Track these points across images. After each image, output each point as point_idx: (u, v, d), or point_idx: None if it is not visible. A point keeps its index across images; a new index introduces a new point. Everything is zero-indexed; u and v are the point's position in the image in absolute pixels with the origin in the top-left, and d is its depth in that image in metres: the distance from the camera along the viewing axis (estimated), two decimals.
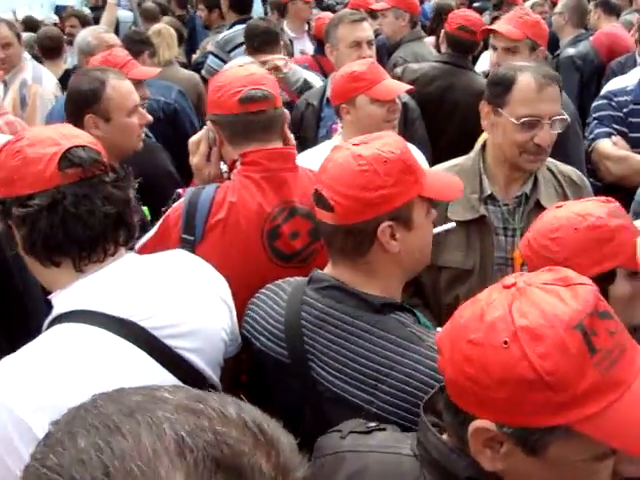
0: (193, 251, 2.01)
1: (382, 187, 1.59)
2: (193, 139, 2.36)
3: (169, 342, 1.54)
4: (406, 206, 1.62)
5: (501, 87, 2.34)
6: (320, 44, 5.22)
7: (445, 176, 1.97)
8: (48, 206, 1.50)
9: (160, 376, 1.51)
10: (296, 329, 1.67)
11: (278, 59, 4.10)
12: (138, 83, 3.29)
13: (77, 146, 1.55)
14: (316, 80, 4.33)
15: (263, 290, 1.86)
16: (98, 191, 1.53)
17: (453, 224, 2.16)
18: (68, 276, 1.55)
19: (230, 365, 1.81)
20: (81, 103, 2.68)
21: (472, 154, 2.55)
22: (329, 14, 5.71)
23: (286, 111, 2.31)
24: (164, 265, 1.69)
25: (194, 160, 2.35)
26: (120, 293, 1.54)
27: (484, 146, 2.52)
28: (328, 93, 3.49)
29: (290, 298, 1.74)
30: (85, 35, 4.16)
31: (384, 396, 1.53)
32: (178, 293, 1.62)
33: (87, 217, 1.52)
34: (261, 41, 4.24)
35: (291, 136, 2.35)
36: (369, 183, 1.59)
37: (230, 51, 5.33)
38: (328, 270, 1.72)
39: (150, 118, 2.87)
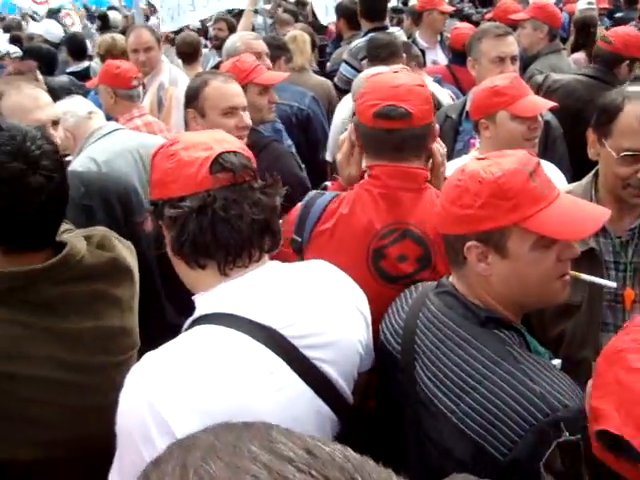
0: (300, 252, 2.05)
1: (469, 206, 1.57)
2: (342, 136, 2.37)
3: (306, 352, 1.54)
4: (498, 232, 1.56)
5: (606, 115, 2.17)
6: (456, 55, 5.14)
7: (582, 209, 1.72)
8: (198, 209, 1.52)
9: (295, 386, 1.52)
10: (412, 327, 1.69)
11: (400, 70, 4.08)
12: (266, 88, 3.36)
13: (229, 151, 1.57)
14: (443, 94, 4.26)
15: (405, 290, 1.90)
16: (247, 197, 1.55)
17: (613, 284, 1.97)
18: (212, 279, 1.57)
19: (363, 379, 1.80)
20: (187, 99, 3.05)
21: (584, 181, 2.38)
22: (467, 25, 5.63)
23: (436, 126, 2.25)
24: (305, 274, 1.70)
25: (337, 157, 2.37)
26: (262, 299, 1.55)
27: (597, 173, 2.33)
28: (468, 107, 3.42)
29: (417, 297, 1.78)
30: (234, 40, 4.30)
31: (466, 408, 1.51)
32: (318, 303, 1.62)
33: (235, 222, 1.53)
34: (386, 53, 4.22)
35: (443, 150, 2.30)
36: (458, 199, 1.59)
37: (362, 59, 5.35)
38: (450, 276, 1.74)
39: (249, 123, 2.99)
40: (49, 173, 1.62)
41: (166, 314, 2.68)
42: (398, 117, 2.08)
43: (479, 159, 1.65)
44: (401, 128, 2.09)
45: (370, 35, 4.88)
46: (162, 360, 1.47)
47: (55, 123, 2.51)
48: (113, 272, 1.79)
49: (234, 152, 1.58)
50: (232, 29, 6.69)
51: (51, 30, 8.74)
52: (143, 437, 1.39)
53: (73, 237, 1.75)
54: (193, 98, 3.01)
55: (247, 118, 2.99)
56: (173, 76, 4.91)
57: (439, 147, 2.27)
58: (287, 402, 1.49)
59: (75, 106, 3.32)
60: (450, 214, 1.61)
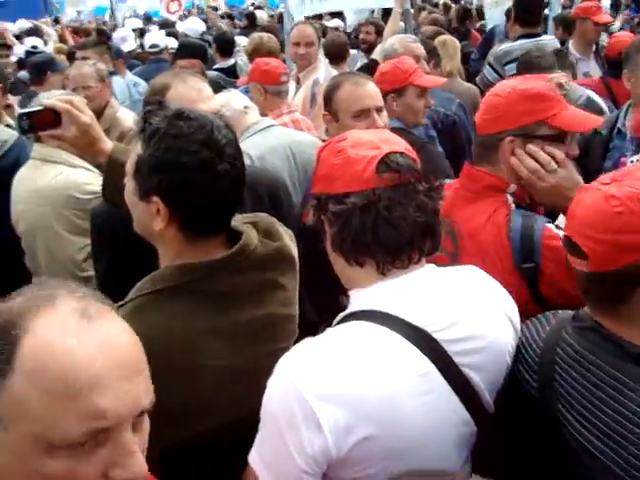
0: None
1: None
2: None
3: (456, 358, 1.52)
4: None
5: None
6: (611, 65, 4.92)
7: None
8: (362, 207, 1.53)
9: (442, 391, 1.51)
10: (549, 364, 1.61)
11: (561, 76, 3.94)
12: (424, 91, 3.34)
13: (395, 152, 1.57)
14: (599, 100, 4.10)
15: (533, 318, 1.79)
16: (411, 198, 1.55)
17: None
18: (370, 277, 1.58)
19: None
20: (324, 102, 3.09)
21: None
22: (626, 33, 5.37)
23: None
24: (459, 279, 1.68)
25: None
26: (417, 301, 1.55)
27: None
28: (620, 123, 3.26)
29: (551, 330, 1.68)
30: (392, 42, 4.32)
31: (631, 459, 1.41)
32: (471, 308, 1.60)
33: (398, 223, 1.53)
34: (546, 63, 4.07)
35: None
36: (625, 225, 1.46)
37: (505, 64, 5.24)
38: (589, 310, 1.62)
39: (380, 125, 2.93)
40: (233, 161, 1.67)
41: (305, 311, 2.72)
42: None
43: (606, 183, 1.53)
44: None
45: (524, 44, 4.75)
46: (314, 350, 1.50)
47: (216, 115, 2.60)
48: (280, 261, 1.82)
49: (401, 153, 1.58)
50: (380, 32, 6.71)
51: (192, 26, 9.07)
52: (288, 423, 1.43)
53: (242, 225, 1.79)
54: (327, 100, 3.05)
55: (380, 120, 2.95)
56: (329, 74, 5.00)
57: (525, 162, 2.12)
58: (432, 406, 1.49)
59: (232, 100, 3.43)
60: (616, 245, 1.47)
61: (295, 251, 1.91)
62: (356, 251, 1.57)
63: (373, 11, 8.72)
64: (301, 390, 1.41)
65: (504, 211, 2.10)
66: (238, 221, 1.80)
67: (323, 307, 2.97)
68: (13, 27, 11.47)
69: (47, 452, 0.98)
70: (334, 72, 5.09)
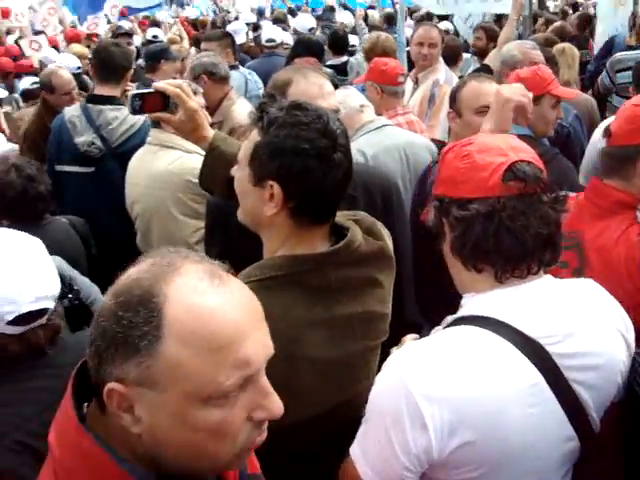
0: None
1: None
2: None
3: (567, 373, 1.51)
4: None
5: None
6: None
7: None
8: (486, 214, 1.53)
9: (549, 405, 1.50)
10: None
11: None
12: (557, 102, 3.31)
13: (523, 160, 1.56)
14: None
15: None
16: (535, 209, 1.54)
17: None
18: (486, 283, 1.58)
19: (612, 411, 1.71)
20: (449, 101, 3.18)
21: None
22: None
23: None
24: (576, 292, 1.66)
25: None
26: (533, 312, 1.54)
27: None
28: None
29: None
30: (511, 49, 4.27)
31: None
32: (587, 323, 1.58)
33: (520, 232, 1.52)
34: None
35: None
36: None
37: (617, 72, 5.11)
38: None
39: None
40: (345, 151, 1.72)
41: (406, 311, 2.74)
42: None
43: None
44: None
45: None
46: (425, 350, 1.52)
47: (335, 112, 2.65)
48: (381, 259, 1.85)
49: (528, 162, 1.56)
50: (492, 38, 6.63)
51: (303, 23, 9.16)
52: (394, 420, 1.45)
53: (346, 221, 1.83)
54: (453, 99, 3.13)
55: None
56: (449, 75, 5.02)
57: None
58: (538, 419, 1.48)
59: (348, 98, 3.48)
60: None
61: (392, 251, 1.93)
62: (475, 257, 1.57)
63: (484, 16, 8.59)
64: (410, 388, 1.43)
65: (636, 229, 2.05)
66: (340, 217, 1.83)
67: (429, 308, 3.01)
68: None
69: (202, 406, 1.06)
70: (454, 75, 5.09)
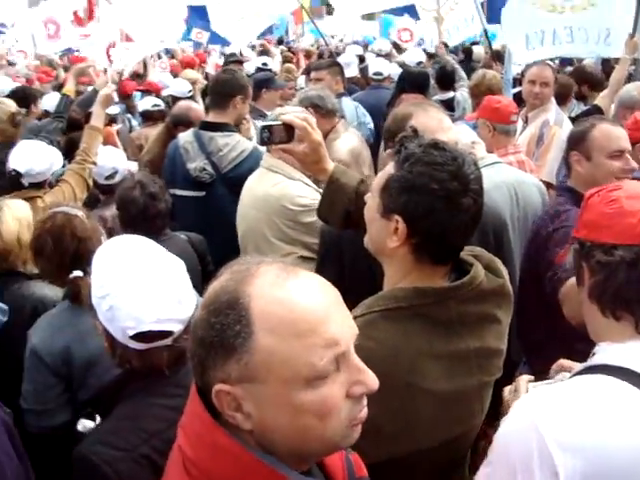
0: None
1: None
2: None
3: None
4: None
5: None
6: None
7: None
8: (630, 261, 1.50)
9: None
10: None
11: None
12: None
13: None
14: None
15: None
16: None
17: None
18: (624, 333, 1.54)
19: None
20: (571, 142, 3.15)
21: None
22: None
23: None
24: None
25: None
26: None
27: None
28: None
29: None
30: (630, 89, 4.21)
31: None
32: None
33: None
34: None
35: None
36: None
37: None
38: None
39: (634, 166, 2.99)
40: (476, 197, 1.72)
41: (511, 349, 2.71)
42: None
43: None
44: None
45: None
46: (560, 397, 1.48)
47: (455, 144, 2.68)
48: (501, 296, 1.85)
49: None
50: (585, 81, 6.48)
51: (412, 58, 9.20)
52: (522, 464, 1.42)
53: (467, 256, 1.84)
54: (579, 140, 3.08)
55: (632, 161, 2.99)
56: (560, 116, 4.95)
57: None
58: None
59: (460, 134, 3.48)
60: None
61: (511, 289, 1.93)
62: (615, 304, 1.53)
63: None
64: (543, 435, 1.40)
65: None
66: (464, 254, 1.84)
67: (532, 348, 2.97)
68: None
69: (302, 388, 1.13)
70: (565, 116, 5.02)
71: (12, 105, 5.19)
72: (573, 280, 1.72)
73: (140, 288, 1.79)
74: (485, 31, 8.89)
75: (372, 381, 1.20)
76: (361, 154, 4.27)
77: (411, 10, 11.45)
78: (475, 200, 1.71)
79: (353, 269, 2.48)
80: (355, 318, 1.67)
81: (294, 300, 1.14)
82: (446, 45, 11.03)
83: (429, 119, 2.52)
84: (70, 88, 5.87)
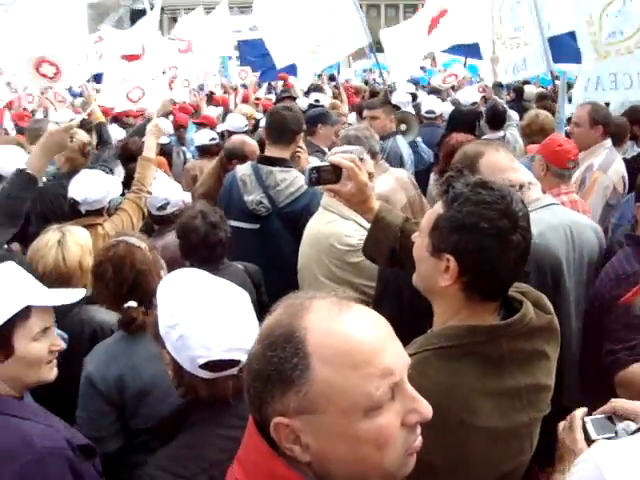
0: None
1: None
2: None
3: None
4: None
5: None
6: None
7: None
8: None
9: None
10: None
11: None
12: None
13: None
14: None
15: None
16: None
17: None
18: None
19: None
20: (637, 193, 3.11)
21: None
22: None
23: None
24: None
25: None
26: None
27: None
28: None
29: None
30: None
31: None
32: None
33: None
34: None
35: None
36: None
37: None
38: None
39: None
40: (525, 233, 1.76)
41: (565, 393, 2.67)
42: None
43: None
44: None
45: None
46: (633, 451, 1.43)
47: (521, 187, 2.69)
48: (549, 332, 1.88)
49: None
50: None
51: (466, 97, 9.22)
52: None
53: (516, 293, 1.86)
54: None
55: None
56: (607, 161, 4.91)
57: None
58: None
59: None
60: None
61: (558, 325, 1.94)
62: None
63: None
64: (603, 474, 1.37)
65: None
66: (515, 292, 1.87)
67: (591, 389, 2.92)
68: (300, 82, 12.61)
69: (360, 418, 1.16)
70: (616, 160, 4.96)
71: (85, 136, 5.39)
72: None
73: (210, 317, 1.84)
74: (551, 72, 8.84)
75: (426, 409, 1.22)
76: (390, 198, 4.25)
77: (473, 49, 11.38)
78: (524, 237, 1.76)
79: (412, 306, 2.49)
80: (410, 355, 1.71)
81: (348, 332, 1.18)
82: (500, 85, 11.08)
83: (500, 158, 2.59)
84: (99, 115, 6.19)
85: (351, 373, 1.15)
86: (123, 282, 2.77)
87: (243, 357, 1.85)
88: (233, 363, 1.85)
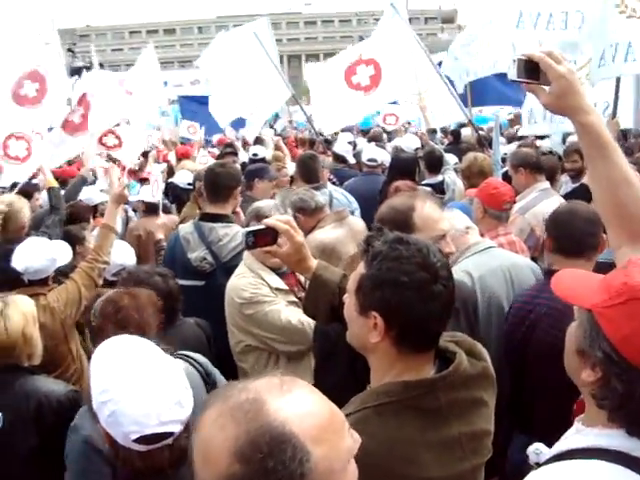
0: None
1: None
2: None
3: None
4: None
5: None
6: None
7: None
8: None
9: None
10: None
11: None
12: None
13: None
14: None
15: None
16: None
17: None
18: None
19: None
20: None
21: None
22: None
23: None
24: None
25: None
26: None
27: None
28: None
29: None
30: None
31: None
32: None
33: None
34: None
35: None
36: None
37: None
38: None
39: None
40: (446, 282, 1.80)
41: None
42: None
43: None
44: None
45: None
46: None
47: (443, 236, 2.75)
48: (485, 379, 1.92)
49: None
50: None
51: (408, 143, 9.43)
52: None
53: (449, 343, 1.91)
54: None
55: None
56: (527, 205, 5.14)
57: None
58: None
59: (454, 220, 3.56)
60: None
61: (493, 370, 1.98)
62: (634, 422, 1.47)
63: None
64: None
65: None
66: (441, 339, 1.90)
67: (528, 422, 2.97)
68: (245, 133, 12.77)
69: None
70: (542, 203, 5.09)
71: None
72: None
73: (142, 393, 1.84)
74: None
75: None
76: (335, 249, 4.29)
77: None
78: (445, 286, 1.80)
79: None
80: (350, 415, 1.71)
81: (316, 405, 1.21)
82: (434, 131, 11.33)
83: (431, 209, 2.64)
84: (51, 180, 6.13)
85: (337, 439, 1.19)
86: None
87: (177, 428, 1.85)
88: (166, 435, 1.85)
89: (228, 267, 4.26)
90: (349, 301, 1.91)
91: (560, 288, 1.60)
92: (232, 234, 4.36)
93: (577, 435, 1.57)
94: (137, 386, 1.84)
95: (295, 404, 1.18)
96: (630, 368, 1.41)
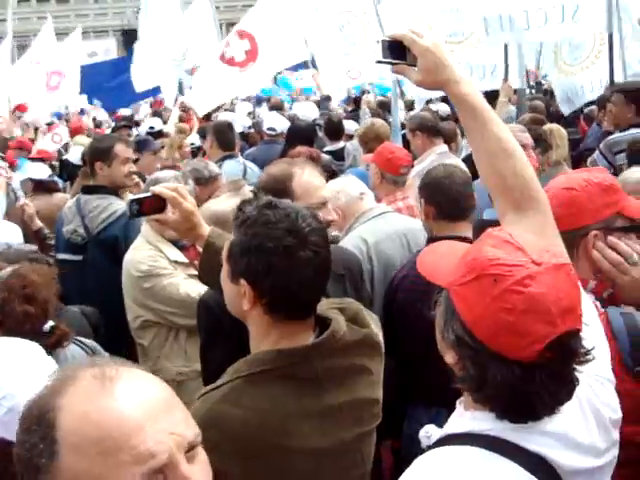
0: None
1: None
2: None
3: None
4: None
5: None
6: None
7: None
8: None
9: None
10: None
11: None
12: None
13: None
14: None
15: None
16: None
17: None
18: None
19: None
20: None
21: None
22: None
23: None
24: None
25: None
26: None
27: None
28: None
29: None
30: None
31: None
32: None
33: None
34: None
35: None
36: None
37: (616, 153, 5.26)
38: None
39: None
40: (317, 248, 1.75)
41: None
42: None
43: None
44: None
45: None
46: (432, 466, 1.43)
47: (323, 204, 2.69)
48: (367, 346, 1.87)
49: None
50: None
51: (306, 112, 9.39)
52: None
53: (329, 311, 1.85)
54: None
55: None
56: (424, 169, 5.09)
57: None
58: None
59: (348, 186, 3.53)
60: None
61: (381, 336, 1.95)
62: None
63: None
64: None
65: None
66: (325, 306, 1.87)
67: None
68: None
69: None
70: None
71: None
72: None
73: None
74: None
75: None
76: (229, 219, 4.21)
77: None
78: (316, 252, 1.74)
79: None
80: (223, 385, 1.73)
81: (102, 414, 1.04)
82: (328, 98, 11.26)
83: (311, 177, 2.57)
84: None
85: (101, 462, 1.02)
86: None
87: None
88: None
89: (100, 240, 4.20)
90: (223, 269, 1.86)
91: (424, 266, 1.55)
92: (104, 205, 4.25)
93: (456, 418, 1.52)
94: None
95: (87, 403, 1.06)
96: (482, 350, 1.33)
